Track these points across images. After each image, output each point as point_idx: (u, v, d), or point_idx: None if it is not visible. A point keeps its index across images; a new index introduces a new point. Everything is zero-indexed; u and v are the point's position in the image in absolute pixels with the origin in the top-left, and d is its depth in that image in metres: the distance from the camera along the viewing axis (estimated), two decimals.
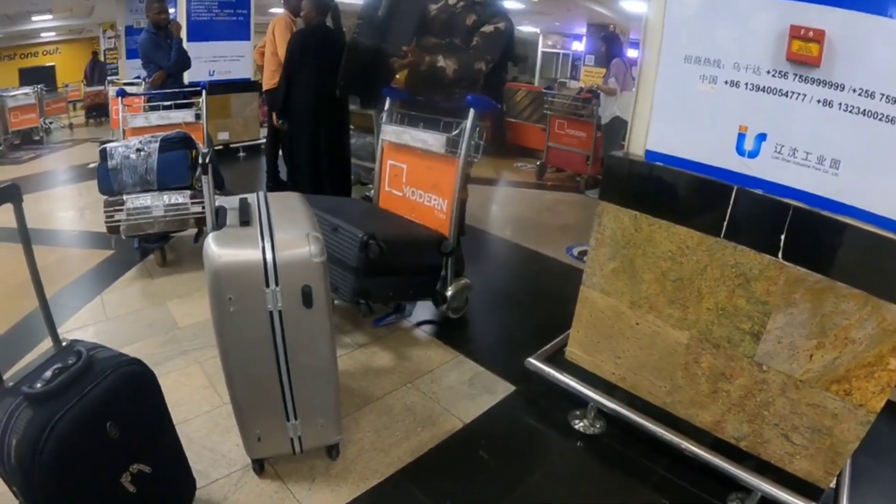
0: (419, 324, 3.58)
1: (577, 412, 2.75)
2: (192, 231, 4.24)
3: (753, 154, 2.25)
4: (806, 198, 2.14)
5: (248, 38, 8.70)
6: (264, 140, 7.40)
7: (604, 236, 2.63)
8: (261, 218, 2.08)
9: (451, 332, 3.49)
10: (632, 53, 7.58)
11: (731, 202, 2.26)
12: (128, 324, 3.51)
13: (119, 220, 3.88)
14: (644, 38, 2.49)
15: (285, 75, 4.73)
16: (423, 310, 3.66)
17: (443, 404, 2.81)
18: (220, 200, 2.23)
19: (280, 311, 1.97)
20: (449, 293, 3.41)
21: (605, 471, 2.51)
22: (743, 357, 2.31)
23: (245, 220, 2.07)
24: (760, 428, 2.32)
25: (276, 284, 1.93)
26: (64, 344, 1.82)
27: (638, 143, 2.57)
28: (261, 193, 2.33)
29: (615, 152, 2.76)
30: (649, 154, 2.52)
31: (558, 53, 21.00)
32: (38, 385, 1.57)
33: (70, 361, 1.65)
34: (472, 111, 3.22)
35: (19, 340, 3.21)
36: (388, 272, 3.09)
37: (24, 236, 1.75)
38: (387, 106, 3.69)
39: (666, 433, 2.46)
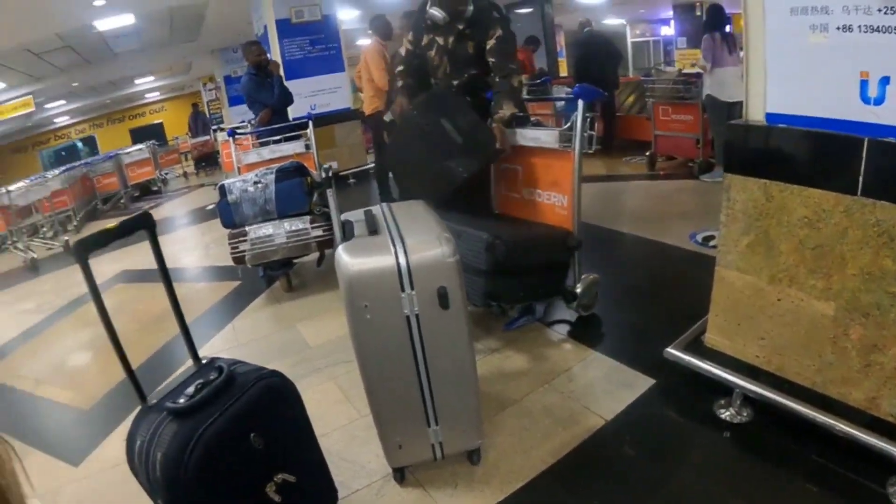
0: (550, 324, 3.54)
1: (722, 401, 2.59)
2: (315, 255, 4.40)
3: (879, 101, 2.10)
4: None
5: (342, 70, 9.07)
6: (372, 165, 7.61)
7: (734, 211, 2.53)
8: (388, 226, 2.14)
9: (583, 329, 3.44)
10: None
11: (864, 155, 2.12)
12: (260, 347, 3.69)
13: (244, 251, 4.13)
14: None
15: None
16: (554, 310, 3.63)
17: (582, 403, 2.76)
18: (345, 215, 2.31)
19: (417, 315, 2.01)
20: (578, 289, 3.38)
21: (754, 460, 2.36)
22: (895, 324, 2.13)
23: (373, 230, 2.14)
24: None
25: (412, 288, 1.98)
26: (204, 362, 1.91)
27: (756, 108, 2.46)
28: (384, 205, 2.39)
29: (734, 121, 2.63)
30: (770, 117, 2.41)
31: (648, 41, 20.59)
32: (182, 400, 1.63)
33: (212, 377, 1.72)
34: (580, 102, 3.19)
35: (159, 367, 3.46)
36: (516, 272, 3.10)
37: (160, 260, 1.85)
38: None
39: (817, 415, 2.26)
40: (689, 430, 2.60)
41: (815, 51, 2.22)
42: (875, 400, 2.22)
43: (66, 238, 9.06)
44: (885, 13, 2.00)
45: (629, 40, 21.10)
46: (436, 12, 3.49)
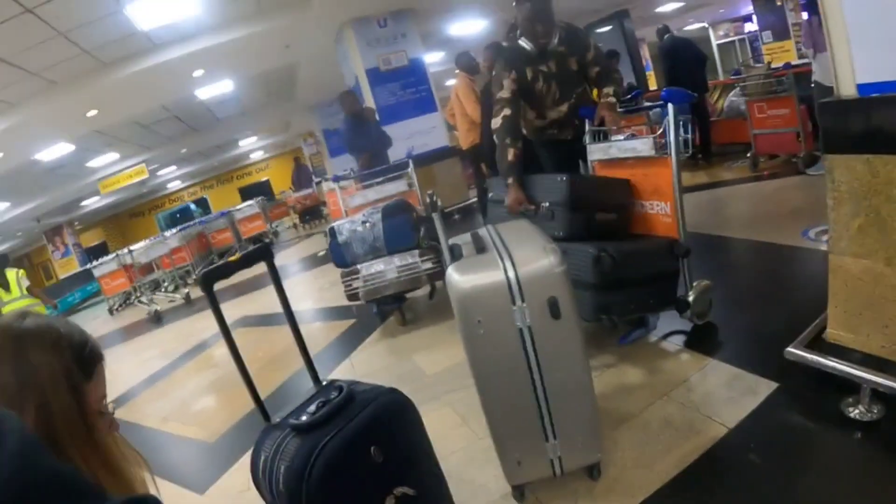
0: (665, 336, 3.47)
1: (850, 399, 2.44)
2: (426, 289, 4.51)
3: None
4: None
5: (435, 110, 9.32)
6: (475, 199, 7.72)
7: (840, 193, 2.41)
8: (495, 243, 2.19)
9: (699, 338, 3.36)
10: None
11: None
12: (378, 378, 3.73)
13: (357, 288, 4.32)
14: None
15: None
16: (668, 321, 3.55)
17: (703, 412, 2.69)
18: (452, 240, 2.39)
19: (529, 327, 2.05)
20: (691, 297, 3.32)
21: (890, 459, 2.22)
22: None
23: (481, 248, 2.20)
24: None
25: (522, 301, 2.03)
26: (324, 383, 1.99)
27: (846, 81, 2.33)
28: (489, 226, 2.45)
29: (826, 99, 2.53)
30: (862, 88, 2.28)
31: (734, 41, 20.07)
32: (304, 418, 1.71)
33: (332, 395, 1.79)
34: (670, 106, 3.18)
35: (282, 397, 3.64)
36: (625, 285, 3.09)
37: (278, 286, 1.96)
38: (587, 128, 3.75)
39: None
40: (817, 433, 2.48)
41: None
42: None
43: (187, 291, 9.65)
44: None
45: (714, 42, 20.65)
46: (526, 44, 3.57)
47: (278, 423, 1.79)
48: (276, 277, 2.00)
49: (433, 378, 3.58)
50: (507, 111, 3.60)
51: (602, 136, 3.71)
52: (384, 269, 4.28)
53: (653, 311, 3.45)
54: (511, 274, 2.02)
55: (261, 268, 1.94)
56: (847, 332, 2.55)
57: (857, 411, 2.40)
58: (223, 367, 5.30)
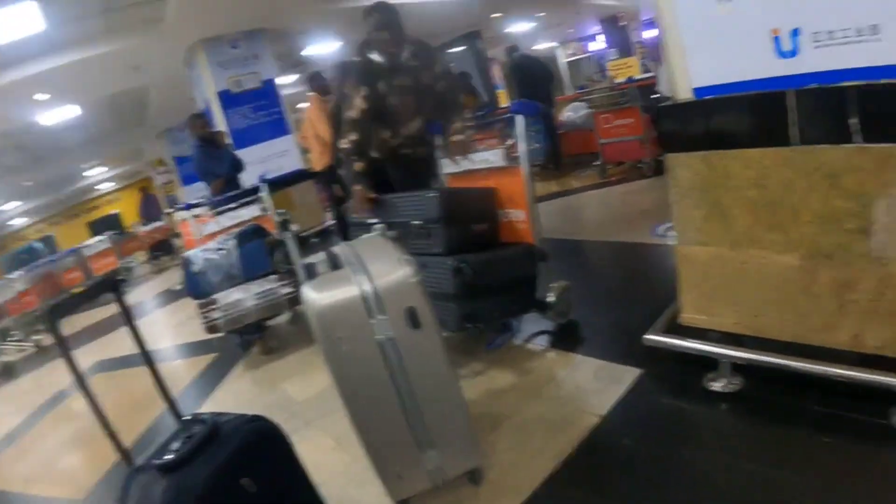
0: (530, 338, 3.53)
1: (711, 374, 2.58)
2: (287, 315, 4.38)
3: (794, 52, 2.21)
4: (861, 74, 2.07)
5: (288, 133, 9.19)
6: (332, 223, 7.63)
7: (682, 188, 2.58)
8: (350, 260, 2.14)
9: (563, 337, 3.44)
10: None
11: (791, 107, 2.20)
12: (246, 412, 3.60)
13: (216, 319, 4.10)
14: None
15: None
16: (532, 323, 3.61)
17: (574, 405, 2.75)
18: (307, 259, 2.32)
19: (391, 339, 2.01)
20: (551, 299, 3.39)
21: (756, 425, 2.37)
22: (859, 258, 2.18)
23: (336, 265, 2.15)
24: None
25: (381, 313, 1.99)
26: (186, 419, 1.88)
27: (683, 86, 2.54)
28: (343, 243, 2.40)
29: (664, 103, 2.71)
30: (697, 91, 2.49)
31: (581, 59, 21.22)
32: (168, 456, 1.61)
33: (196, 430, 1.70)
34: (519, 117, 3.27)
35: (147, 443, 3.37)
36: (486, 292, 3.11)
37: (127, 318, 1.85)
38: (439, 143, 3.81)
39: (807, 365, 2.28)
40: (686, 410, 2.60)
41: (725, 20, 2.32)
42: (858, 337, 2.25)
43: (39, 338, 8.93)
44: None
45: (563, 61, 21.64)
46: (377, 57, 3.54)
47: (142, 465, 1.69)
48: (125, 309, 1.88)
49: (303, 405, 3.46)
50: (353, 136, 3.58)
51: None
52: (242, 297, 4.11)
53: (515, 315, 3.51)
54: (367, 287, 1.99)
55: (114, 307, 1.82)
56: (700, 314, 2.70)
57: (719, 385, 2.54)
58: (86, 416, 4.88)
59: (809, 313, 2.36)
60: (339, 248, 2.35)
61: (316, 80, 6.62)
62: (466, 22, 12.95)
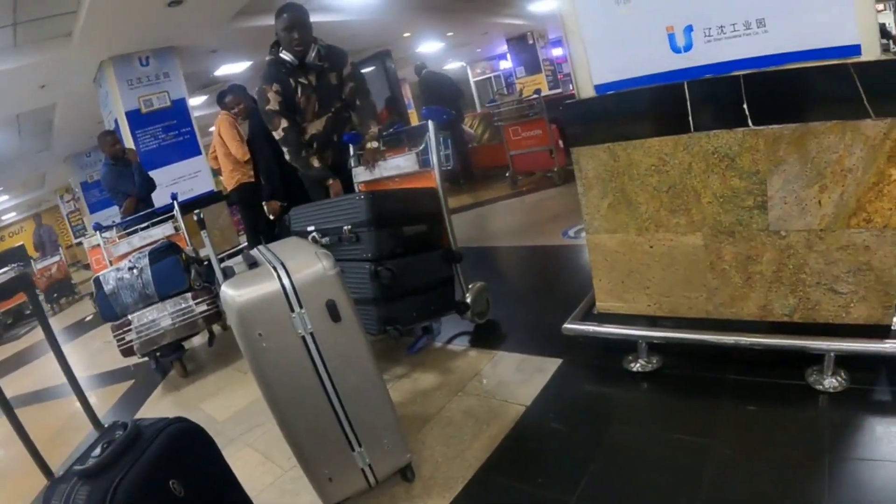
0: (451, 339, 3.58)
1: (630, 356, 2.71)
2: (205, 337, 4.27)
3: (688, 47, 2.36)
4: (750, 63, 2.23)
5: (199, 154, 8.94)
6: (245, 245, 7.47)
7: (588, 179, 2.68)
8: (267, 258, 2.12)
9: (483, 336, 3.51)
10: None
11: (687, 97, 2.33)
12: None
13: (131, 341, 3.95)
14: None
15: (274, 158, 4.60)
16: (451, 326, 3.67)
17: (499, 398, 2.79)
18: (224, 264, 2.29)
19: (311, 333, 1.99)
20: (469, 299, 3.44)
21: (679, 399, 2.48)
22: (759, 232, 2.33)
23: (253, 264, 2.12)
24: (805, 293, 2.32)
25: (301, 307, 1.97)
26: (107, 426, 1.82)
27: (586, 84, 2.65)
28: (260, 246, 2.38)
29: (569, 101, 2.82)
30: (599, 88, 2.60)
31: (489, 77, 21.57)
32: (90, 462, 1.56)
33: (117, 434, 1.64)
34: (430, 123, 3.33)
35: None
36: (405, 294, 3.12)
37: (42, 320, 1.78)
38: (352, 152, 3.83)
39: (721, 337, 2.44)
40: (608, 392, 2.70)
41: (623, 20, 2.46)
42: (766, 307, 2.42)
43: None
44: None
45: (472, 80, 21.97)
46: (286, 56, 3.71)
47: (62, 475, 1.62)
48: (39, 311, 1.81)
49: (226, 423, 3.37)
50: (284, 122, 3.73)
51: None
52: (157, 317, 3.96)
53: (435, 316, 3.52)
54: (286, 282, 1.96)
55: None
56: (614, 301, 2.81)
57: (638, 364, 2.67)
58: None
59: (718, 289, 2.50)
60: (256, 251, 2.34)
61: (226, 97, 6.49)
62: (376, 41, 12.98)
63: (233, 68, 11.00)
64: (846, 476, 1.88)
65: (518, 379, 2.91)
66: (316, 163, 3.79)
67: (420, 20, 11.84)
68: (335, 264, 2.04)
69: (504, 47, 17.89)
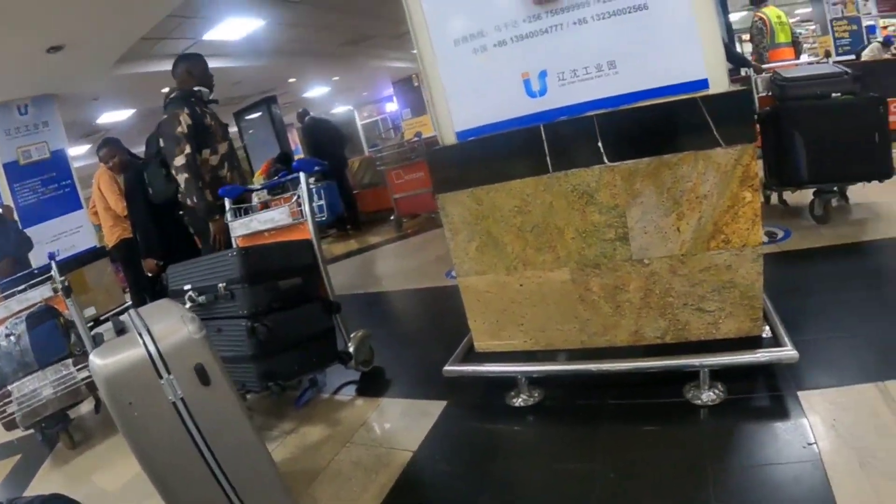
0: (337, 389, 3.52)
1: (512, 392, 2.78)
2: (92, 403, 4.04)
3: (543, 91, 2.49)
4: (602, 103, 2.38)
5: (80, 208, 8.45)
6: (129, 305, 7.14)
7: (455, 224, 2.75)
8: (135, 324, 2.04)
9: (368, 384, 3.48)
10: None
11: (544, 139, 2.44)
12: None
13: (12, 413, 3.67)
14: (417, 45, 2.69)
15: (150, 214, 4.54)
16: (337, 376, 3.62)
17: (386, 446, 2.77)
18: (95, 330, 2.20)
19: (182, 399, 1.92)
20: (351, 348, 3.42)
21: (562, 429, 2.55)
22: (624, 262, 2.46)
23: (120, 330, 2.04)
24: (674, 315, 2.46)
25: (169, 373, 1.90)
26: None
27: (447, 132, 2.74)
28: (131, 310, 2.30)
29: (434, 149, 2.89)
30: (460, 135, 2.70)
31: (377, 120, 21.71)
32: None
33: None
34: (302, 174, 3.33)
35: None
36: (285, 348, 3.06)
37: None
38: (228, 206, 3.75)
39: (597, 365, 2.55)
40: (493, 429, 2.73)
41: (481, 69, 2.57)
42: (638, 332, 2.54)
43: None
44: (529, 21, 2.41)
45: (360, 123, 22.04)
46: (201, 89, 4.09)
47: None
48: None
49: (118, 493, 3.17)
50: (188, 148, 3.84)
51: (242, 211, 3.73)
52: (38, 386, 3.70)
53: (318, 369, 3.44)
54: (152, 348, 1.90)
55: None
56: (491, 340, 2.87)
57: (520, 399, 2.74)
58: None
59: (590, 320, 2.61)
60: (126, 316, 2.26)
61: (100, 151, 6.24)
62: (261, 87, 12.81)
63: (115, 116, 10.67)
64: (730, 483, 1.99)
65: (404, 425, 2.91)
66: (209, 196, 3.86)
67: (305, 65, 11.83)
68: (202, 327, 1.99)
69: (390, 90, 18.06)
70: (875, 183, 4.19)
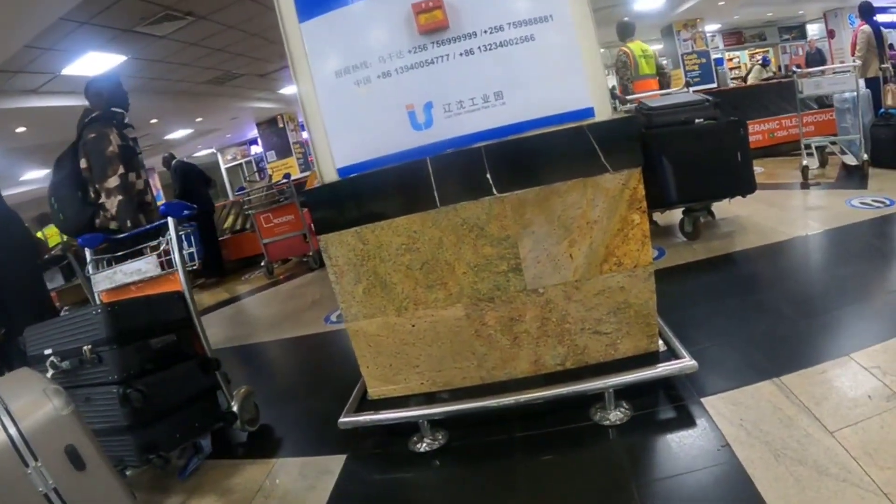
0: (224, 454, 3.21)
1: (414, 437, 2.64)
2: None
3: (429, 124, 2.42)
4: (490, 134, 2.35)
5: None
6: None
7: (339, 265, 2.62)
8: None
9: (258, 443, 3.22)
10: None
11: (431, 172, 2.37)
12: None
13: None
14: (296, 77, 2.57)
15: None
16: (222, 439, 3.31)
17: None
18: None
19: (55, 489, 1.66)
20: (235, 407, 3.15)
21: (473, 469, 2.45)
22: (518, 293, 2.42)
23: None
24: (573, 340, 2.45)
25: (36, 460, 1.64)
26: None
27: (328, 168, 2.62)
28: None
29: (310, 188, 2.75)
30: (342, 171, 2.59)
31: (241, 163, 21.30)
32: None
33: None
34: (170, 220, 3.07)
35: None
36: (163, 415, 2.79)
37: None
38: (89, 257, 3.42)
39: (499, 400, 2.45)
40: (400, 478, 2.58)
41: (364, 101, 2.48)
42: (538, 361, 2.51)
43: None
44: (414, 52, 2.36)
45: (223, 166, 21.44)
46: (118, 110, 3.95)
47: None
48: None
49: None
50: (121, 169, 3.74)
51: (105, 262, 3.42)
52: None
53: (201, 433, 3.12)
54: (13, 431, 1.64)
55: None
56: (386, 385, 2.75)
57: (424, 444, 2.60)
58: None
59: (487, 354, 2.54)
60: None
61: None
62: None
63: None
64: (656, 497, 1.99)
65: (304, 485, 2.67)
66: (143, 220, 3.75)
67: (166, 105, 11.37)
68: (68, 400, 1.74)
69: (255, 131, 17.71)
70: (738, 198, 4.44)
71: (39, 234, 7.93)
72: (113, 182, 3.68)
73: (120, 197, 3.67)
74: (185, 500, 2.89)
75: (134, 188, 3.85)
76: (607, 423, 2.38)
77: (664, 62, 7.67)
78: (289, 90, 13.21)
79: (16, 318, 3.78)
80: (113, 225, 3.69)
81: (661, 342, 2.52)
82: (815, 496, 1.77)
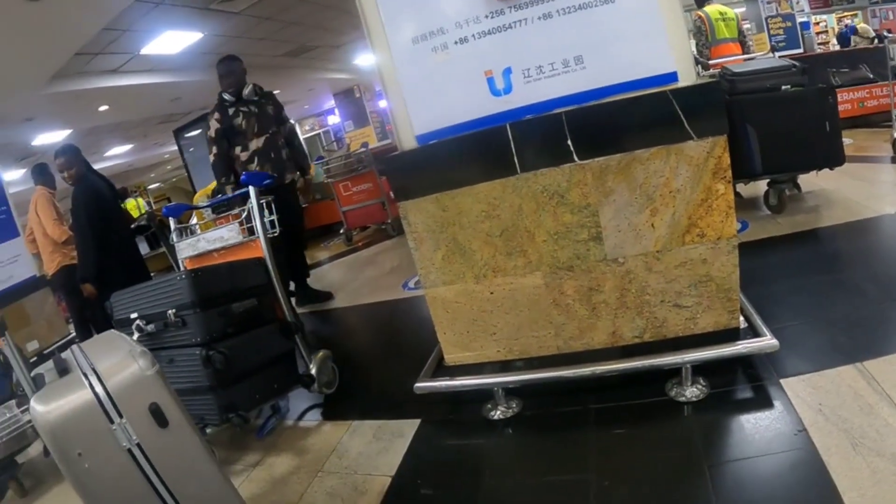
0: (301, 415, 3.33)
1: (488, 404, 2.66)
2: (39, 446, 3.77)
3: (508, 90, 2.37)
4: (570, 100, 2.29)
5: (17, 235, 7.97)
6: (73, 336, 6.77)
7: (419, 233, 2.62)
8: (79, 362, 1.84)
9: (334, 406, 3.31)
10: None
11: (511, 139, 2.33)
12: None
13: None
14: (372, 46, 2.57)
15: (92, 235, 4.40)
16: (300, 401, 3.43)
17: (362, 472, 2.60)
18: (37, 370, 1.98)
19: (138, 444, 1.72)
20: (313, 370, 3.23)
21: (546, 439, 2.44)
22: (598, 263, 2.37)
23: (63, 370, 1.83)
24: (652, 313, 2.39)
25: (121, 416, 1.70)
26: None
27: (407, 136, 2.61)
28: (74, 346, 2.09)
29: (391, 154, 2.75)
30: (420, 138, 2.57)
31: (319, 133, 21.54)
32: None
33: None
34: (251, 188, 3.14)
35: None
36: (244, 376, 2.87)
37: None
38: (173, 226, 3.56)
39: (576, 370, 2.43)
40: (473, 445, 2.59)
41: (441, 68, 2.45)
42: (616, 333, 2.46)
43: None
44: (492, 17, 2.31)
45: (301, 137, 21.76)
46: (226, 95, 4.80)
47: None
48: None
49: None
50: (216, 149, 4.81)
51: (189, 231, 3.53)
52: None
53: (279, 395, 3.23)
54: (99, 390, 1.69)
55: None
56: (463, 352, 2.74)
57: (498, 412, 2.61)
58: None
59: (565, 324, 2.50)
60: (68, 353, 2.06)
61: (40, 172, 5.85)
62: (202, 102, 12.36)
63: (52, 137, 10.19)
64: (727, 479, 1.93)
65: (378, 448, 2.73)
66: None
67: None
68: (153, 361, 1.79)
69: (332, 102, 17.87)
70: (826, 171, 4.24)
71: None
72: (210, 160, 4.93)
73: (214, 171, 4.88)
74: (261, 458, 3.00)
75: (248, 150, 4.83)
76: (683, 399, 2.32)
77: (747, 26, 7.32)
78: (363, 60, 13.25)
79: (112, 280, 3.93)
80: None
81: (741, 318, 2.42)
82: (890, 490, 1.69)
